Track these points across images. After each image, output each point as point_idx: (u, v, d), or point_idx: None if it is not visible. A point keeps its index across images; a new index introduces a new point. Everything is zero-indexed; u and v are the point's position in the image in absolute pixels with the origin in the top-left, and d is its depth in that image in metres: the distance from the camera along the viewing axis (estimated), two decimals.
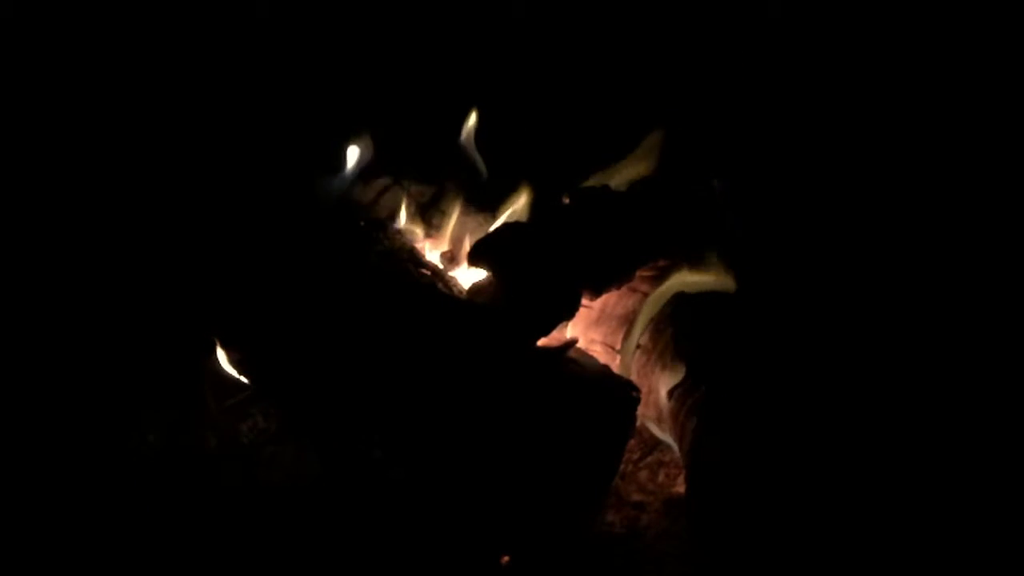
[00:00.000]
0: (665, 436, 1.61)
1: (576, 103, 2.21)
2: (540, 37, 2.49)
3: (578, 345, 1.59)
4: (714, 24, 2.45)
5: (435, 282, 1.56)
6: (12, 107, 2.25)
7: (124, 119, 2.29)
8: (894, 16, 2.29)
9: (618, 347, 1.64)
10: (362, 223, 1.72)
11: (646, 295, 1.64)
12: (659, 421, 1.61)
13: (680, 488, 1.60)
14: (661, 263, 1.65)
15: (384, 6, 2.55)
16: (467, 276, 1.69)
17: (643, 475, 1.65)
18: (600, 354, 1.65)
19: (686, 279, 1.60)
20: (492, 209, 1.80)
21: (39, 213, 2.09)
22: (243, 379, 1.66)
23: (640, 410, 1.51)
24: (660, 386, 1.59)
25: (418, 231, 1.82)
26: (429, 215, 1.88)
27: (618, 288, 1.62)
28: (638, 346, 1.62)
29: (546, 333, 1.50)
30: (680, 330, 1.59)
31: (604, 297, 1.62)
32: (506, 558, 1.42)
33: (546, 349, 1.52)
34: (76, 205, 2.10)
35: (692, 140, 1.99)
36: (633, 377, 1.60)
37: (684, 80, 2.39)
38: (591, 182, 1.74)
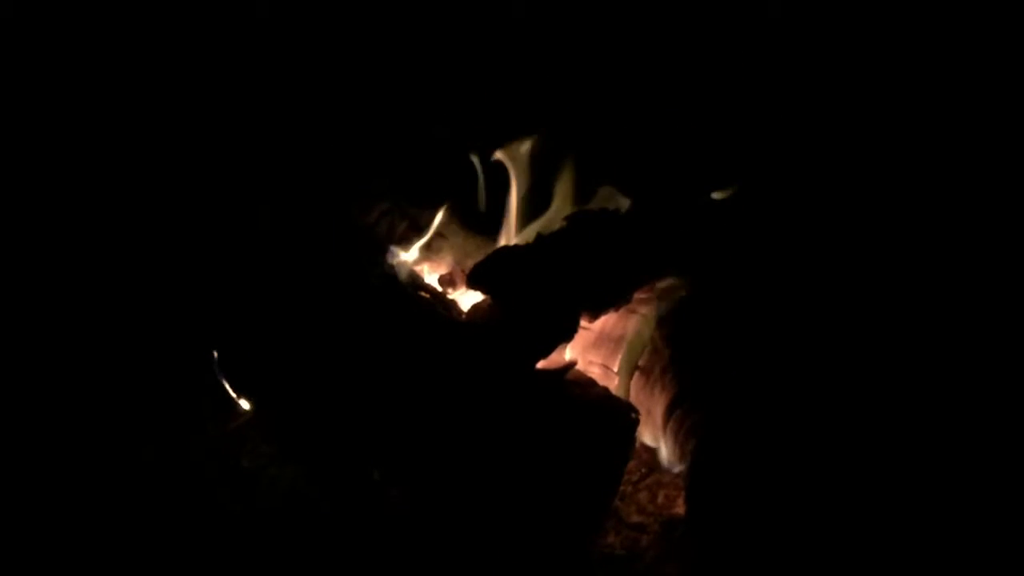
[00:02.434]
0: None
1: (575, 115, 2.21)
2: (538, 47, 2.49)
3: (577, 367, 1.59)
4: (714, 25, 2.45)
5: (434, 305, 1.57)
6: (12, 107, 2.24)
7: (124, 121, 2.28)
8: (894, 16, 2.29)
9: (616, 369, 1.65)
10: (362, 246, 1.73)
11: (643, 317, 1.65)
12: (657, 441, 1.62)
13: (679, 509, 1.59)
14: (658, 284, 1.66)
15: (386, 24, 2.56)
16: (466, 299, 1.70)
17: (642, 496, 1.64)
18: (599, 376, 1.66)
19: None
20: (492, 232, 1.82)
21: (39, 230, 2.08)
22: (243, 403, 1.67)
23: (638, 431, 1.51)
24: (658, 407, 1.59)
25: (417, 254, 1.83)
26: (428, 238, 1.89)
27: (616, 310, 1.63)
28: (636, 367, 1.62)
29: (545, 355, 1.51)
30: (678, 351, 1.60)
31: (602, 319, 1.63)
32: None
33: (545, 371, 1.52)
34: (76, 224, 2.09)
35: (688, 152, 1.99)
36: (631, 398, 1.61)
37: (682, 83, 2.39)
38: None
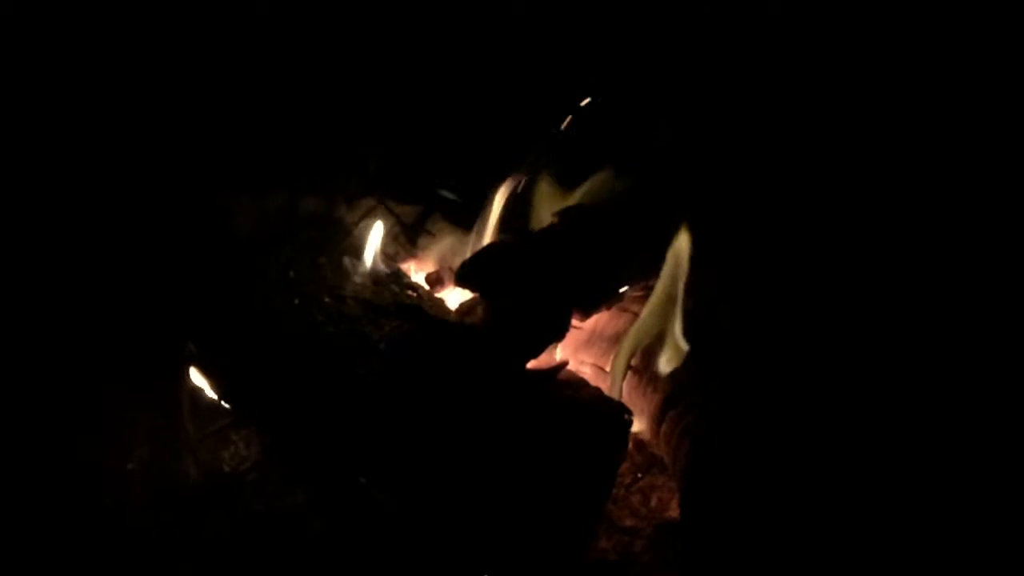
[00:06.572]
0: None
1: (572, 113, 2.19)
2: (534, 50, 2.47)
3: (568, 367, 1.57)
4: (713, 25, 2.43)
5: (421, 304, 1.54)
6: (12, 107, 2.20)
7: (123, 123, 2.24)
8: (894, 17, 2.28)
9: (609, 369, 1.63)
10: (346, 244, 1.70)
11: (636, 316, 1.63)
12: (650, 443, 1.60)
13: (673, 512, 1.58)
14: (651, 283, 1.64)
15: (377, 27, 2.54)
16: (454, 298, 1.67)
17: (635, 499, 1.62)
18: (590, 376, 1.64)
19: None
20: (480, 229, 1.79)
21: (26, 230, 2.04)
22: (225, 405, 1.63)
23: (631, 432, 1.49)
24: (652, 408, 1.57)
25: (403, 252, 1.81)
26: (415, 235, 1.87)
27: (608, 309, 1.61)
28: (629, 367, 1.60)
29: (536, 355, 1.48)
30: None
31: (594, 318, 1.61)
32: None
33: (536, 371, 1.50)
34: (64, 222, 2.05)
35: (685, 151, 1.97)
36: (624, 399, 1.58)
37: (680, 84, 2.37)
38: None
